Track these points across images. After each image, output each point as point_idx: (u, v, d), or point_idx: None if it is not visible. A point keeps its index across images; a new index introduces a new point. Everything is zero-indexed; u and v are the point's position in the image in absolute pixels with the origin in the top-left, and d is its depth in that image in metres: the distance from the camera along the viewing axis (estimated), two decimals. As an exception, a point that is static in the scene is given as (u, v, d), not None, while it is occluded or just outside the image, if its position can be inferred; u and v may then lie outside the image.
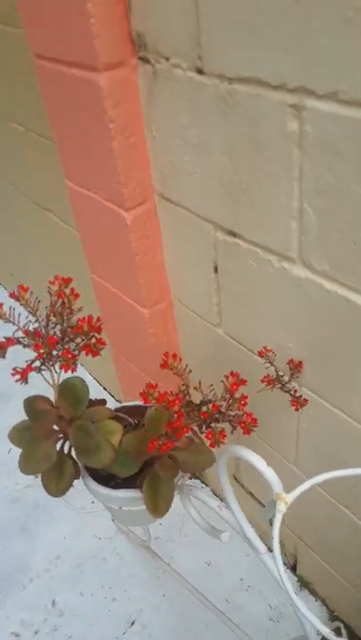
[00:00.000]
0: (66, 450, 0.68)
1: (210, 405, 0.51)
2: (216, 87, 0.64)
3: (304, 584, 1.15)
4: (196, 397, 0.61)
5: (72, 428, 0.62)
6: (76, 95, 0.80)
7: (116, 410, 0.75)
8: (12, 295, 0.55)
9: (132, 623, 1.14)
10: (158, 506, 0.65)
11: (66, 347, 0.53)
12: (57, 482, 0.65)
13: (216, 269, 0.84)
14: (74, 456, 0.69)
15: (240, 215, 0.72)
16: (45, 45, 0.80)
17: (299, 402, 0.72)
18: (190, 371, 0.57)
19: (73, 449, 0.65)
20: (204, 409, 0.51)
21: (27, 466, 0.62)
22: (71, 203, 1.03)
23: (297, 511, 0.95)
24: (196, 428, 0.50)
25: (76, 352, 0.53)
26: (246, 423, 0.50)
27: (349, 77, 0.49)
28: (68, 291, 0.55)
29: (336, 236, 0.60)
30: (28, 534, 1.33)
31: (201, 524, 0.72)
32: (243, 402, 0.51)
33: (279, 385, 0.72)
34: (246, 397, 0.53)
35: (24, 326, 0.52)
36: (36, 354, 0.52)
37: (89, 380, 1.72)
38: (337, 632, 1.06)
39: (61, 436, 0.66)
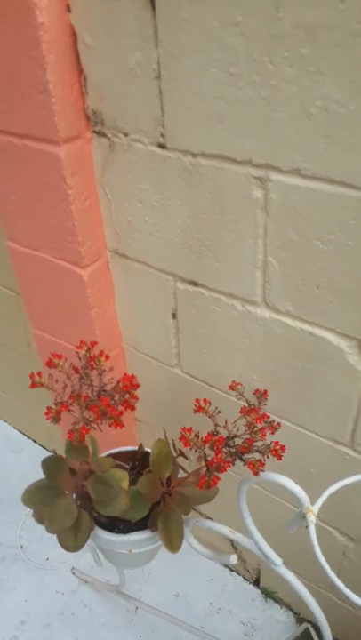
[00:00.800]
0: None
1: (244, 440, 0.58)
2: (179, 160, 0.73)
3: (268, 594, 1.23)
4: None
5: (90, 480, 0.65)
6: (27, 165, 0.84)
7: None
8: (48, 363, 0.58)
9: (115, 671, 1.14)
10: (173, 541, 0.69)
11: (112, 405, 0.56)
12: (74, 537, 0.67)
13: (175, 315, 0.92)
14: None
15: (203, 267, 0.81)
16: (-5, 119, 0.83)
17: (273, 426, 0.80)
18: (219, 412, 0.64)
19: (92, 501, 0.67)
20: (238, 442, 0.58)
21: (51, 526, 0.64)
22: (13, 263, 1.04)
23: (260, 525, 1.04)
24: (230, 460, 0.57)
25: (121, 409, 0.57)
26: (277, 451, 0.57)
27: (311, 158, 0.60)
28: (97, 353, 0.59)
29: (299, 282, 0.71)
30: (-17, 606, 1.27)
31: (205, 553, 0.77)
32: (263, 433, 0.59)
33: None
34: (264, 429, 0.61)
35: (62, 391, 0.55)
36: (81, 414, 0.55)
37: (4, 428, 1.69)
38: (305, 633, 1.16)
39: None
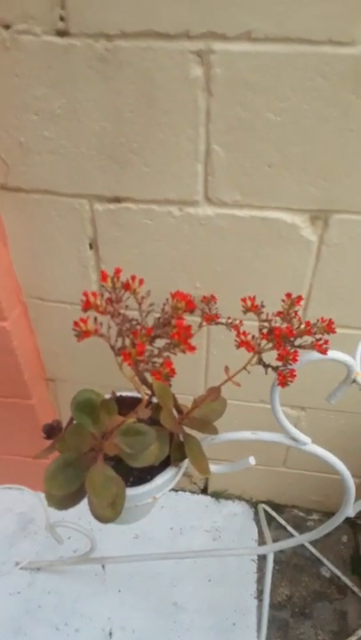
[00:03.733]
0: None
1: (304, 323, 0.54)
2: (90, 47, 0.61)
3: (219, 495, 1.28)
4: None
5: (119, 434, 0.55)
6: None
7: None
8: (86, 305, 0.46)
9: (110, 634, 1.08)
10: (203, 465, 0.65)
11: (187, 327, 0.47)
12: (113, 505, 0.58)
13: (92, 245, 0.81)
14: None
15: (129, 178, 0.72)
16: None
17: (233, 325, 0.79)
18: (263, 306, 0.59)
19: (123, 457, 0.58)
20: (284, 329, 0.54)
21: (100, 498, 0.54)
22: None
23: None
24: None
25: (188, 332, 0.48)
26: (330, 326, 0.55)
27: (263, 16, 0.56)
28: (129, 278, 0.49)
29: (248, 165, 0.68)
30: None
31: (223, 468, 0.75)
32: (298, 317, 0.56)
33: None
34: (297, 312, 0.58)
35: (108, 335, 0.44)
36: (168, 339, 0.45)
37: None
38: (264, 513, 1.24)
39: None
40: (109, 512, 0.59)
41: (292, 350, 0.52)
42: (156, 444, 0.60)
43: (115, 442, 0.56)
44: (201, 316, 0.71)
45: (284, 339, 0.53)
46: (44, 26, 0.60)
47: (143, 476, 0.69)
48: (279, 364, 0.55)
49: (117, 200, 0.75)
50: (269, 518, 1.25)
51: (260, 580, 1.14)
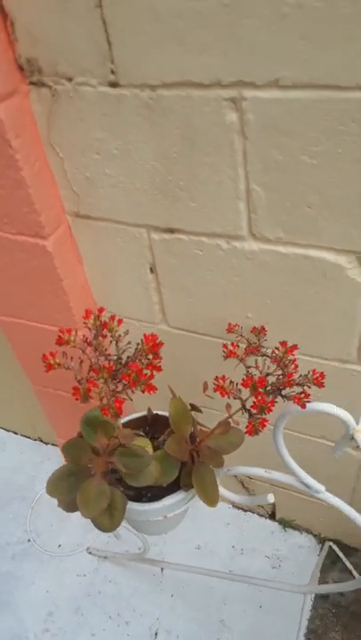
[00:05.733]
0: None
1: (278, 376, 0.55)
2: (137, 97, 0.66)
3: (286, 524, 1.26)
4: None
5: (117, 455, 0.61)
6: None
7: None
8: (59, 341, 0.53)
9: (156, 634, 1.13)
10: (210, 495, 0.67)
11: (144, 372, 0.52)
12: (110, 517, 0.63)
13: (153, 270, 0.87)
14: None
15: (178, 211, 0.76)
16: None
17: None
18: (251, 353, 0.61)
19: (121, 475, 0.63)
20: (272, 380, 0.55)
21: (88, 510, 0.60)
22: None
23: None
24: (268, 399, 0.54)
25: (148, 372, 0.53)
26: (318, 379, 0.55)
27: (289, 65, 0.56)
28: (107, 319, 0.54)
29: (288, 204, 0.68)
30: (7, 607, 1.23)
31: (238, 500, 0.76)
32: (295, 365, 0.57)
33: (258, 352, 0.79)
34: (295, 360, 0.58)
35: (78, 369, 0.50)
36: (118, 384, 0.50)
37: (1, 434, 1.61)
38: (330, 552, 1.19)
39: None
40: (107, 522, 0.64)
41: (269, 400, 0.52)
42: (157, 466, 0.64)
43: (113, 460, 0.61)
44: (246, 347, 0.73)
45: (272, 388, 0.53)
46: (98, 78, 0.67)
47: (164, 494, 0.73)
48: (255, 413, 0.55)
49: (171, 231, 0.79)
50: (336, 558, 1.20)
51: (313, 620, 1.11)
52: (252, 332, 0.84)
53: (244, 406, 0.56)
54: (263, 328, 0.82)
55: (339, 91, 0.56)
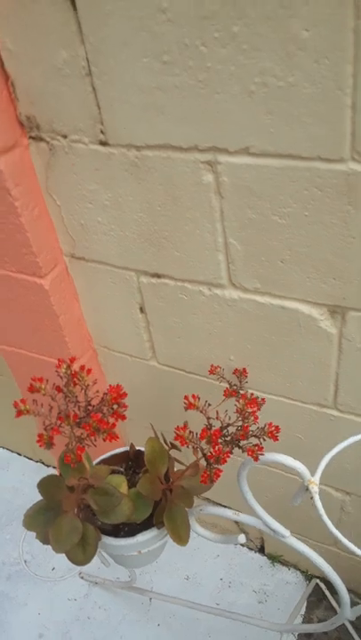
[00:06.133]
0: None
1: (237, 427, 0.59)
2: (124, 155, 0.71)
3: (274, 559, 1.27)
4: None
5: (90, 493, 0.64)
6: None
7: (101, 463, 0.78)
8: (30, 389, 0.57)
9: (141, 663, 1.15)
10: (181, 535, 0.70)
11: (104, 419, 0.56)
12: (83, 551, 0.67)
13: (142, 310, 0.91)
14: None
15: (164, 258, 0.80)
16: None
17: (257, 402, 0.82)
18: (209, 404, 0.64)
19: (94, 512, 0.67)
20: (233, 430, 0.58)
21: (59, 545, 0.64)
22: (-32, 282, 1.01)
23: (267, 500, 1.06)
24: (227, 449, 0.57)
25: (112, 421, 0.57)
26: (273, 432, 0.58)
27: (257, 135, 0.60)
28: (78, 368, 0.58)
29: (263, 259, 0.71)
30: (0, 626, 1.26)
31: (213, 537, 0.79)
32: (255, 417, 0.60)
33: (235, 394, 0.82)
34: (255, 412, 0.61)
35: (48, 414, 0.54)
36: (72, 434, 0.54)
37: (4, 454, 1.66)
38: (316, 590, 1.20)
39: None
40: (80, 556, 0.67)
41: (225, 450, 0.56)
42: (129, 504, 0.67)
43: (85, 497, 0.64)
44: (225, 390, 0.76)
45: (231, 438, 0.56)
46: (90, 137, 0.72)
47: (140, 529, 0.76)
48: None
49: (157, 276, 0.84)
50: (322, 596, 1.20)
51: (296, 658, 1.11)
52: (233, 373, 0.87)
53: (204, 455, 0.59)
54: (245, 370, 0.85)
55: (301, 160, 0.60)
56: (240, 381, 0.87)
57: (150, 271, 0.84)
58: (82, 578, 1.32)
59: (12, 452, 1.66)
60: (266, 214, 0.67)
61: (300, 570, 1.25)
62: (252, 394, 0.66)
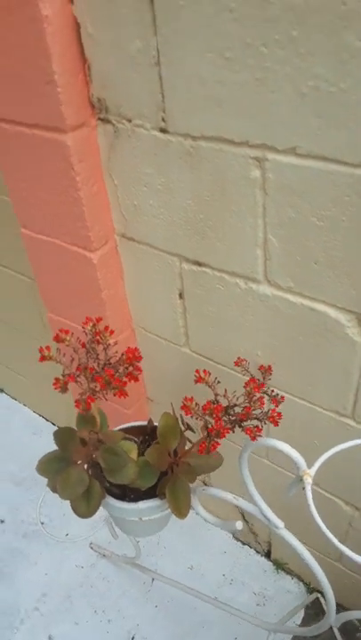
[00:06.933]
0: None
1: (243, 408, 0.61)
2: (180, 144, 0.75)
3: (279, 566, 1.27)
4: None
5: (100, 451, 0.69)
6: (38, 152, 0.88)
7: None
8: (56, 338, 0.62)
9: (133, 639, 1.19)
10: (181, 508, 0.73)
11: (116, 377, 0.60)
12: (87, 504, 0.71)
13: (181, 296, 0.95)
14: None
15: (206, 247, 0.84)
16: (4, 109, 0.87)
17: (277, 400, 0.84)
18: (219, 382, 0.67)
19: (102, 470, 0.71)
20: (238, 410, 0.61)
21: (65, 492, 0.68)
22: (27, 249, 1.08)
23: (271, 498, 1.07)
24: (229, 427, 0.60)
25: (125, 380, 0.61)
26: (274, 417, 0.61)
27: (305, 137, 0.63)
28: (102, 328, 0.63)
29: (298, 258, 0.73)
30: (7, 579, 1.33)
31: (212, 520, 0.81)
32: (261, 402, 0.62)
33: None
34: (263, 398, 0.64)
35: (69, 364, 0.59)
36: (87, 385, 0.59)
37: (25, 411, 1.75)
38: (315, 603, 1.20)
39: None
40: (83, 508, 0.71)
41: (225, 426, 0.58)
42: (135, 469, 0.71)
43: (96, 454, 0.69)
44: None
45: (235, 417, 0.59)
46: (151, 123, 0.77)
47: (144, 499, 0.80)
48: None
49: (199, 264, 0.87)
50: (320, 611, 1.20)
51: (284, 665, 1.12)
52: (258, 369, 0.89)
53: (206, 427, 0.62)
54: (270, 367, 0.87)
55: (345, 166, 0.62)
56: (264, 377, 0.89)
57: (192, 258, 0.87)
58: (91, 548, 1.37)
59: (47, 420, 1.74)
60: (305, 215, 0.69)
61: (303, 582, 1.25)
62: (272, 390, 0.68)
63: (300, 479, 0.59)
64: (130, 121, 0.79)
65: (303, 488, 0.59)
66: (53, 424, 1.72)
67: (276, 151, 0.66)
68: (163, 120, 0.75)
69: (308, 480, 0.58)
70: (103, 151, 0.87)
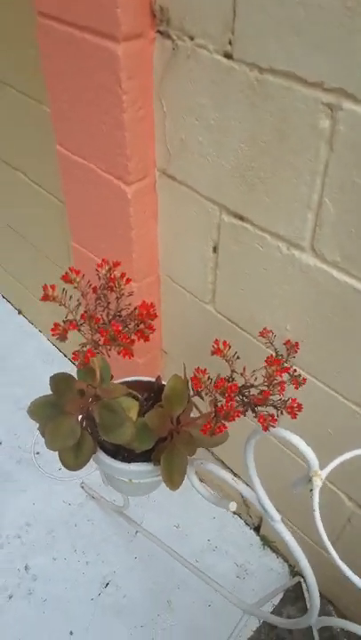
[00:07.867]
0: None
1: (260, 391, 0.54)
2: (245, 74, 0.65)
3: (267, 543, 1.23)
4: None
5: (97, 405, 0.63)
6: (85, 61, 0.78)
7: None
8: (64, 277, 0.55)
9: (107, 585, 1.18)
10: (174, 478, 0.68)
11: (124, 332, 0.53)
12: (75, 456, 0.66)
13: (215, 249, 0.86)
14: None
15: (252, 201, 0.74)
16: (57, 6, 0.77)
17: (298, 381, 0.76)
18: (238, 357, 0.60)
19: (97, 425, 0.66)
20: (254, 392, 0.54)
21: (53, 442, 0.63)
22: (60, 169, 1.00)
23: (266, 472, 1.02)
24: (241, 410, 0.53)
25: (134, 338, 0.54)
26: (293, 408, 0.53)
27: (394, 85, 0.52)
28: (118, 274, 0.55)
29: (353, 230, 0.64)
30: (-6, 501, 1.33)
31: (206, 495, 0.76)
32: (282, 387, 0.55)
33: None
34: (283, 383, 0.56)
35: (74, 309, 0.52)
36: (91, 336, 0.52)
37: (39, 337, 1.72)
38: (297, 587, 1.16)
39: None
40: (71, 460, 0.67)
41: (237, 408, 0.51)
42: (132, 429, 0.65)
43: (92, 408, 0.63)
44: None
45: (249, 400, 0.52)
46: (216, 45, 0.66)
47: (137, 461, 0.75)
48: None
49: (240, 217, 0.78)
50: (300, 595, 1.16)
51: (251, 641, 1.09)
52: (284, 344, 0.81)
53: (215, 404, 0.55)
54: (297, 344, 0.79)
55: None
56: (288, 354, 0.81)
57: (234, 210, 0.78)
58: (82, 487, 1.35)
59: (60, 351, 1.70)
60: (373, 181, 0.59)
61: (288, 563, 1.21)
62: (287, 366, 0.60)
63: (309, 479, 0.53)
64: (192, 39, 0.69)
65: (311, 490, 0.53)
66: (65, 356, 1.69)
67: (355, 100, 0.56)
68: (229, 43, 0.65)
69: (318, 483, 0.51)
70: (157, 71, 0.76)
